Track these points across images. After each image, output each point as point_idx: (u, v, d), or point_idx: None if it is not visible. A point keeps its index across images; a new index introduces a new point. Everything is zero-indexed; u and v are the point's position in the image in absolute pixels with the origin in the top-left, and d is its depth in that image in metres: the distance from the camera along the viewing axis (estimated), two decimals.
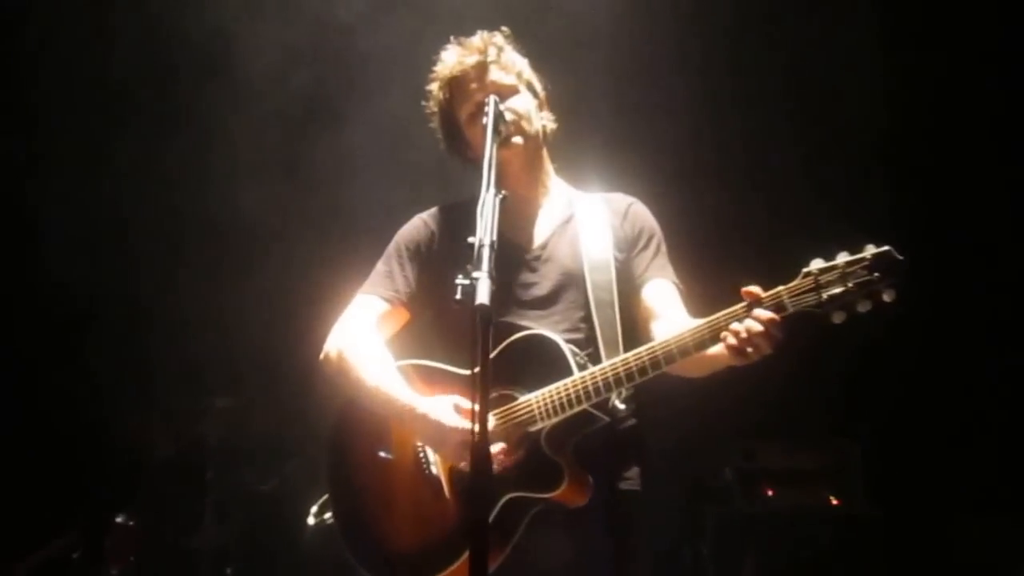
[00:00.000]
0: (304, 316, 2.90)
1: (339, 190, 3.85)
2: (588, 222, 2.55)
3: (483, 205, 2.01)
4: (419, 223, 2.59)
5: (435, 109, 2.61)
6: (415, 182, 3.48)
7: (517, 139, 2.48)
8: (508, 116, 2.40)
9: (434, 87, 2.60)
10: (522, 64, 2.60)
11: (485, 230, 1.96)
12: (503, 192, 2.05)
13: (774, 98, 3.79)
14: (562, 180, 2.68)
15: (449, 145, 2.63)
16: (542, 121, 2.59)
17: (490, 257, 1.92)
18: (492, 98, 2.32)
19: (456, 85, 2.54)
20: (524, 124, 2.50)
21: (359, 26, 3.65)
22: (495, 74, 2.52)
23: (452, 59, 2.56)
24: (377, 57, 3.46)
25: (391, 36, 3.44)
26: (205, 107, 3.71)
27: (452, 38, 2.58)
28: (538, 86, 2.62)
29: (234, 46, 3.61)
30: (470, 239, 1.96)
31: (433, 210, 2.62)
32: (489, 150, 2.15)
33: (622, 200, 2.62)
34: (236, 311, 3.79)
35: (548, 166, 2.64)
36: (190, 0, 3.58)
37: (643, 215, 2.60)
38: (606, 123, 3.80)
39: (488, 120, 2.24)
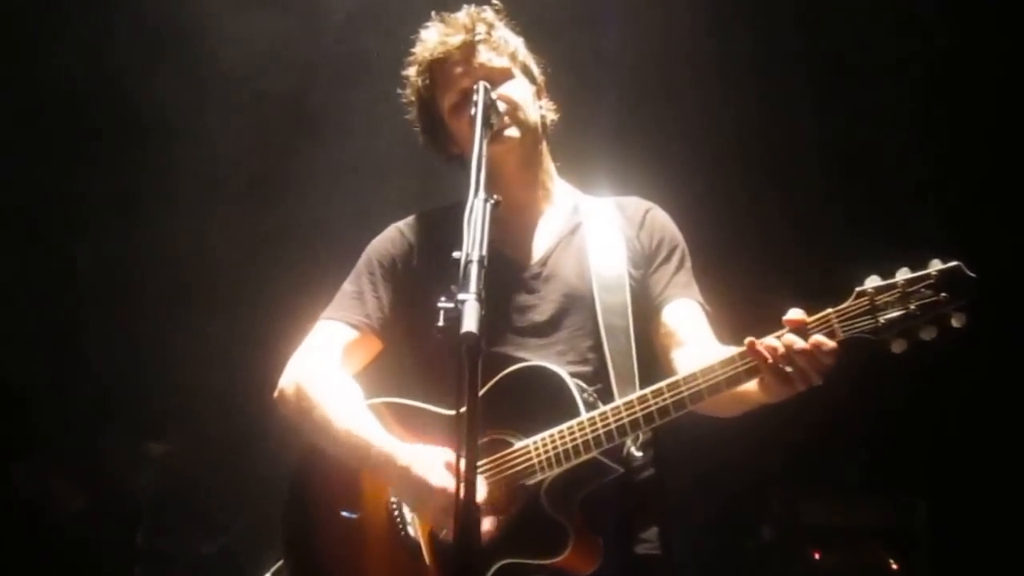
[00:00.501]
0: (260, 345, 2.92)
1: (301, 210, 4.01)
2: (597, 232, 2.57)
3: (471, 213, 2.01)
4: (395, 234, 2.61)
5: (413, 98, 2.62)
6: (400, 194, 3.61)
7: (511, 132, 2.49)
8: (500, 105, 2.40)
9: (412, 72, 2.62)
10: (516, 44, 2.62)
11: (473, 243, 1.95)
12: (495, 197, 2.05)
13: (814, 86, 3.90)
14: (566, 182, 2.71)
15: (429, 140, 2.65)
16: (541, 111, 2.61)
17: (479, 276, 1.90)
18: (481, 84, 2.32)
19: (438, 69, 2.56)
20: (520, 114, 2.51)
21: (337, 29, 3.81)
22: (484, 55, 2.54)
23: (433, 38, 2.58)
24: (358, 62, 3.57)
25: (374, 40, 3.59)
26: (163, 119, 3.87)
27: (434, 14, 2.61)
28: (536, 69, 2.65)
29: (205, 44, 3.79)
30: (455, 254, 1.95)
31: (411, 219, 2.64)
32: (478, 146, 2.16)
33: (638, 206, 2.64)
34: (178, 340, 3.85)
35: (549, 165, 2.67)
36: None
37: (663, 223, 2.61)
38: (618, 113, 3.85)
39: (477, 110, 2.25)
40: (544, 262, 2.55)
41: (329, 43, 3.83)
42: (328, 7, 3.80)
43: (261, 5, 3.79)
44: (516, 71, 2.58)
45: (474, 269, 1.90)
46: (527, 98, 2.56)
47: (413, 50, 2.61)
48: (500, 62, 2.55)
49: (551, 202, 2.64)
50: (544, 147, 2.65)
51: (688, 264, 2.58)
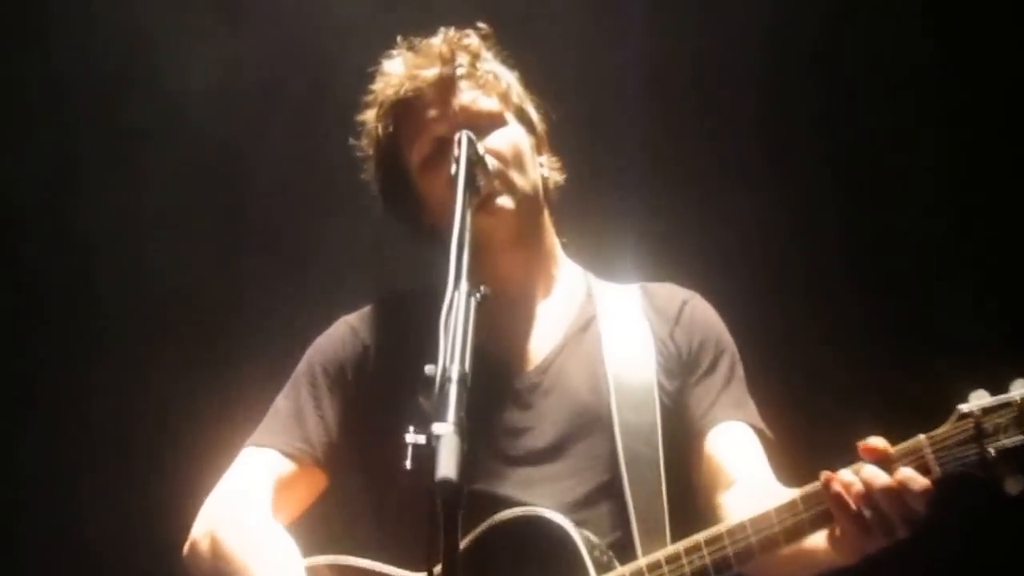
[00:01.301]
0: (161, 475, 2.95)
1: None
2: (617, 329, 2.58)
3: (450, 311, 1.96)
4: (344, 332, 2.61)
5: (370, 149, 2.66)
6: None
7: (504, 201, 2.51)
8: (489, 162, 2.40)
9: (369, 115, 2.64)
10: (509, 79, 2.66)
11: (453, 354, 1.89)
12: (482, 289, 2.02)
13: (890, 162, 3.98)
14: (575, 263, 2.73)
15: (391, 205, 2.68)
16: (542, 169, 2.65)
17: (460, 400, 1.84)
18: (464, 134, 2.30)
19: (406, 112, 2.59)
20: (514, 175, 2.54)
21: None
22: (467, 95, 2.58)
23: (399, 72, 2.62)
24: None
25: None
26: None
27: (400, 39, 2.66)
28: (535, 114, 2.68)
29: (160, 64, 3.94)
30: (428, 368, 1.89)
31: (366, 310, 2.64)
32: (460, 218, 2.13)
33: (673, 295, 2.65)
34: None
35: (552, 241, 2.69)
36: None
37: (706, 319, 2.62)
38: (645, 175, 3.86)
39: (458, 169, 2.23)
40: (545, 369, 2.54)
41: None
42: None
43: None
44: (509, 116, 2.61)
45: (453, 391, 1.84)
46: (524, 152, 2.59)
47: (372, 87, 2.64)
48: (488, 104, 2.59)
49: (555, 289, 2.65)
50: (546, 217, 2.67)
51: (740, 374, 2.58)
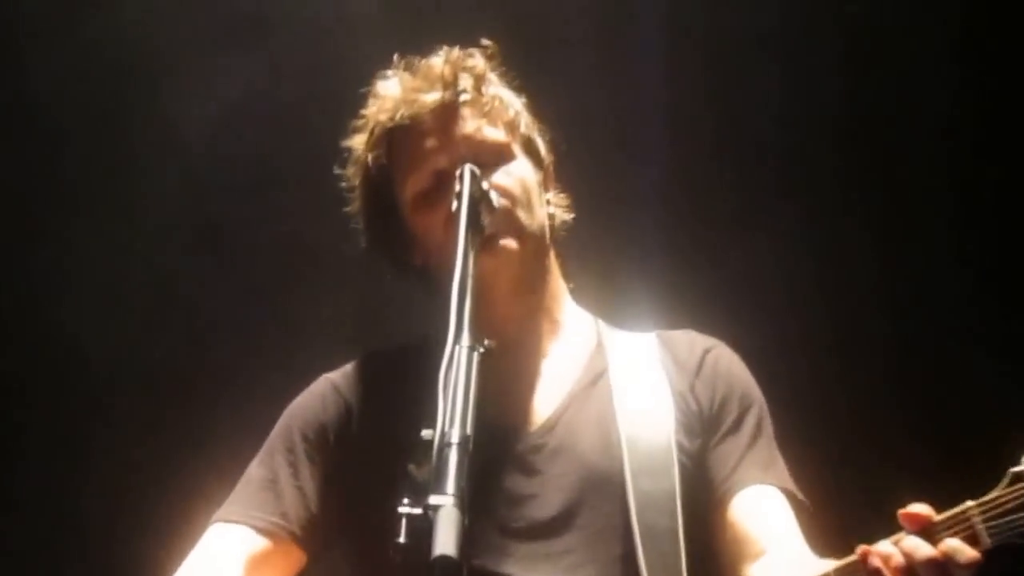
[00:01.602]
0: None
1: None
2: (631, 382, 2.58)
3: (450, 367, 1.97)
4: (325, 391, 2.60)
5: (357, 179, 2.66)
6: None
7: (509, 242, 2.51)
8: (495, 199, 2.41)
9: (359, 141, 2.66)
10: (517, 107, 2.67)
11: (452, 416, 1.90)
12: (485, 343, 2.03)
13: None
14: (584, 310, 2.74)
15: (378, 243, 2.68)
16: (548, 208, 2.66)
17: (461, 467, 1.84)
18: (467, 168, 2.33)
19: (401, 140, 2.59)
20: (521, 214, 2.54)
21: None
22: (471, 123, 2.59)
23: (395, 94, 2.63)
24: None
25: None
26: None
27: (396, 58, 2.68)
28: (542, 146, 2.70)
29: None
30: (425, 432, 1.89)
31: (349, 367, 2.64)
32: (461, 262, 2.14)
33: (694, 344, 2.65)
34: None
35: (559, 285, 2.70)
36: None
37: (730, 369, 2.62)
38: (662, 213, 3.90)
39: (460, 206, 2.25)
40: (550, 428, 2.53)
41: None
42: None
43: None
44: (516, 148, 2.62)
45: (453, 457, 1.84)
46: (531, 189, 2.60)
47: (364, 111, 2.66)
48: (494, 134, 2.59)
49: (561, 338, 2.65)
50: (552, 259, 2.68)
51: (769, 432, 2.58)
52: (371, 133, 2.63)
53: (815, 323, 3.94)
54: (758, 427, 2.56)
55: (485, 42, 2.67)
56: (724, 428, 2.55)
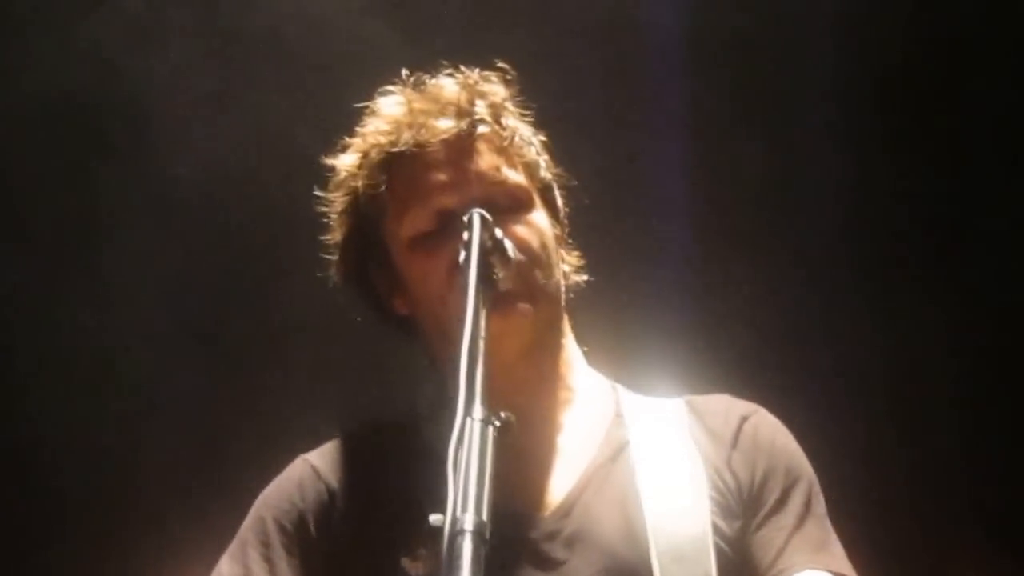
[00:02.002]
0: None
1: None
2: (658, 457, 2.56)
3: (460, 443, 1.93)
4: (303, 474, 2.58)
5: (341, 206, 2.65)
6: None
7: (523, 306, 2.51)
8: (511, 251, 2.40)
9: (350, 162, 2.64)
10: (537, 147, 2.69)
11: (465, 500, 1.86)
12: (503, 415, 2.00)
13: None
14: (601, 375, 2.75)
15: (355, 282, 2.68)
16: (564, 266, 2.68)
17: (478, 559, 1.80)
18: (476, 214, 2.31)
19: (403, 170, 2.58)
20: (538, 273, 2.54)
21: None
22: (486, 160, 2.58)
23: (398, 114, 2.61)
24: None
25: None
26: None
27: (404, 72, 2.67)
28: (557, 192, 2.71)
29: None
30: (433, 518, 1.86)
31: (329, 446, 2.63)
32: (471, 322, 2.10)
33: (730, 411, 2.64)
34: None
35: (572, 349, 2.70)
36: None
37: (773, 439, 2.61)
38: (685, 267, 3.96)
39: (470, 257, 2.22)
40: (566, 513, 2.50)
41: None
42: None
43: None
44: (534, 193, 2.62)
45: (468, 547, 1.80)
46: (549, 245, 2.60)
47: (360, 128, 2.65)
48: (513, 176, 2.59)
49: (575, 408, 2.64)
50: (565, 322, 2.68)
51: (820, 509, 2.55)
52: (365, 155, 2.61)
53: (870, 387, 3.98)
54: (807, 504, 2.53)
55: (501, 65, 2.68)
56: (767, 507, 2.52)
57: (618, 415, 2.65)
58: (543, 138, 2.71)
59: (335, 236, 2.68)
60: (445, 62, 2.68)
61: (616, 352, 2.84)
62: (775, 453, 2.58)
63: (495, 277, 2.30)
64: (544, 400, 2.62)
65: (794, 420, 2.69)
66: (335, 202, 2.67)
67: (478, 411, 1.96)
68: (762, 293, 3.97)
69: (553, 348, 2.65)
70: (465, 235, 2.27)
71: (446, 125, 2.57)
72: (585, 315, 2.75)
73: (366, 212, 2.63)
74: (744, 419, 2.62)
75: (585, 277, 2.73)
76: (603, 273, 2.80)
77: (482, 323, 2.12)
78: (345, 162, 2.66)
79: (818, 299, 4.03)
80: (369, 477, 2.54)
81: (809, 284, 4.03)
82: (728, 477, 2.55)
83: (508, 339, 2.45)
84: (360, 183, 2.62)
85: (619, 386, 2.73)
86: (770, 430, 2.62)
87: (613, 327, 2.90)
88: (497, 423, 1.98)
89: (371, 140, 2.62)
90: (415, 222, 2.57)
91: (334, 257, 2.69)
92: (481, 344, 2.07)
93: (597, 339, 2.77)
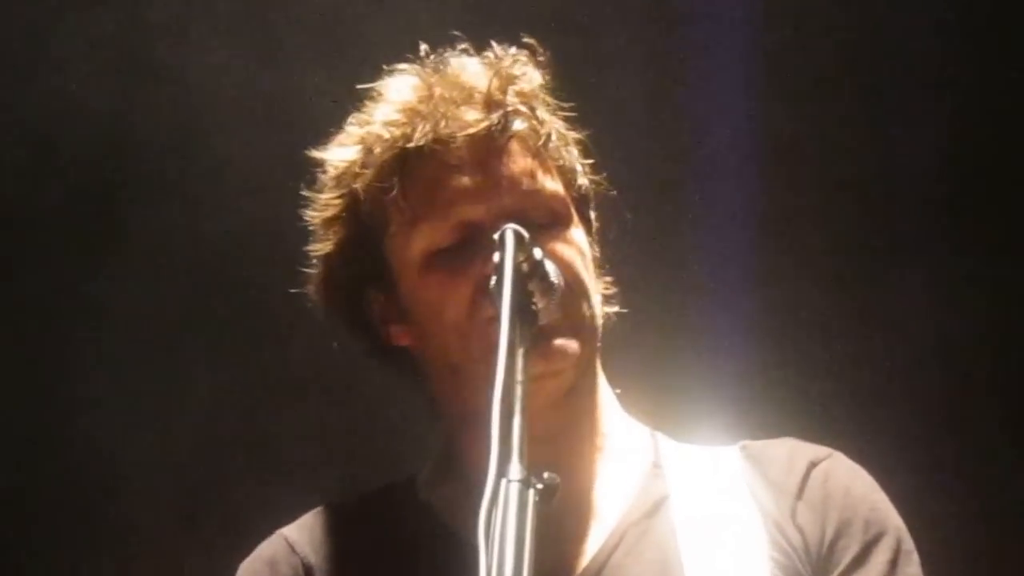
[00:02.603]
0: None
1: None
2: (704, 512, 2.43)
3: (493, 506, 1.81)
4: (279, 550, 2.48)
5: (332, 211, 2.42)
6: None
7: (568, 343, 2.32)
8: (554, 276, 2.18)
9: (347, 158, 2.40)
10: (574, 146, 2.48)
11: (502, 571, 1.77)
12: (545, 476, 1.87)
13: None
14: (637, 420, 2.59)
15: (344, 304, 2.47)
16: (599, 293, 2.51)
17: None
18: (511, 230, 2.08)
19: (420, 170, 2.36)
20: (583, 304, 2.38)
21: None
22: (520, 163, 2.37)
23: (413, 101, 2.38)
24: None
25: None
26: None
27: (425, 49, 2.44)
28: (591, 203, 2.52)
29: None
30: None
31: (308, 518, 2.53)
32: (506, 363, 1.92)
33: (795, 456, 2.49)
34: None
35: (606, 391, 2.54)
36: None
37: (849, 486, 2.45)
38: (737, 295, 3.89)
39: (503, 282, 2.02)
40: (597, 574, 2.37)
41: None
42: None
43: None
44: (572, 206, 2.42)
45: None
46: (590, 268, 2.42)
47: (362, 114, 2.42)
48: (551, 185, 2.38)
49: (608, 457, 2.49)
50: (597, 360, 2.50)
51: (914, 570, 2.39)
52: (370, 150, 2.36)
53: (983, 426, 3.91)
54: (893, 563, 2.37)
55: (528, 40, 2.44)
56: (842, 567, 2.36)
57: (656, 465, 2.49)
58: (579, 136, 2.50)
59: (322, 246, 2.44)
60: (458, 33, 2.47)
61: (655, 395, 2.70)
62: (852, 503, 2.41)
63: (534, 308, 2.10)
64: (572, 449, 2.44)
65: (877, 469, 2.54)
66: (326, 205, 2.42)
67: (515, 470, 1.84)
68: (831, 318, 3.89)
69: (587, 391, 2.46)
70: (496, 255, 2.07)
71: (473, 117, 2.33)
72: (619, 351, 2.57)
73: (366, 220, 2.39)
74: (813, 465, 2.44)
75: (617, 308, 2.53)
76: (639, 301, 2.67)
77: (519, 364, 1.95)
78: (342, 157, 2.41)
79: (900, 334, 3.95)
80: (355, 549, 2.45)
81: (886, 314, 3.98)
82: (792, 533, 2.39)
83: (547, 383, 2.30)
84: (361, 184, 2.37)
85: (659, 434, 2.56)
86: (846, 476, 2.45)
87: (651, 365, 2.75)
88: (539, 485, 1.85)
89: (378, 132, 2.37)
90: (431, 235, 2.34)
91: (317, 271, 2.46)
92: (519, 389, 1.91)
93: (633, 379, 2.61)
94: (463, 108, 2.34)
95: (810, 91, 4.06)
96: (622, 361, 2.58)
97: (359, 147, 2.39)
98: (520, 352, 1.97)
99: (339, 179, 2.41)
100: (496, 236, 2.08)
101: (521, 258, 2.07)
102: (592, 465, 2.46)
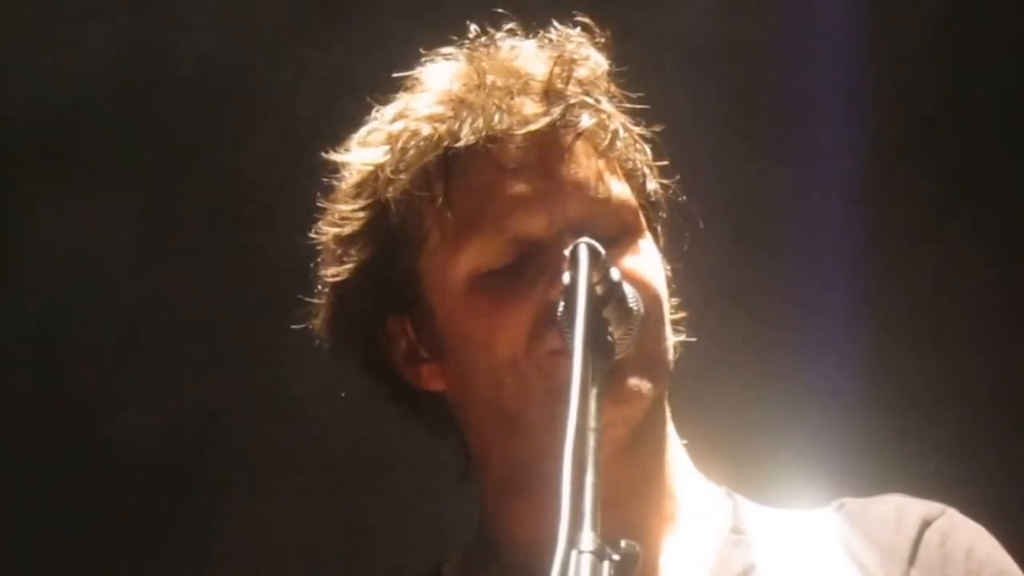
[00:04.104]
0: None
1: None
2: None
3: None
4: None
5: (356, 226, 2.17)
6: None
7: (642, 383, 2.12)
8: (632, 301, 2.02)
9: (374, 160, 2.16)
10: (642, 144, 2.27)
11: None
12: (623, 545, 1.73)
13: None
14: (711, 481, 2.40)
15: (358, 340, 2.23)
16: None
17: None
18: (584, 245, 1.90)
19: (467, 174, 2.14)
20: (662, 335, 2.19)
21: None
22: (585, 168, 2.17)
23: (459, 90, 2.17)
24: None
25: None
26: None
27: (474, 29, 2.23)
28: (662, 211, 2.34)
29: None
30: None
31: None
32: (578, 411, 1.74)
33: (904, 515, 2.31)
34: None
35: (675, 444, 2.33)
36: None
37: (971, 547, 2.28)
38: (832, 336, 3.75)
39: (575, 308, 1.83)
40: None
41: None
42: None
43: None
44: (641, 215, 2.23)
45: None
46: (665, 288, 2.23)
47: (393, 106, 2.18)
48: (620, 191, 2.18)
49: (681, 523, 2.29)
50: (666, 407, 2.31)
51: None
52: (403, 150, 2.12)
53: None
54: None
55: (582, 19, 2.22)
56: None
57: (736, 531, 2.29)
58: (646, 132, 2.28)
59: (337, 265, 2.18)
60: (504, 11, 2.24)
61: (730, 451, 2.63)
62: (975, 568, 2.25)
63: (610, 339, 1.93)
64: (641, 511, 2.24)
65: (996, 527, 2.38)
66: (345, 219, 2.17)
67: (587, 541, 1.67)
68: (939, 358, 3.78)
69: (655, 440, 2.25)
70: (565, 276, 1.90)
71: (532, 111, 2.11)
72: (688, 396, 2.40)
73: (397, 235, 2.15)
74: (926, 524, 2.26)
75: (685, 337, 2.32)
76: (716, 336, 2.57)
77: (592, 408, 1.78)
78: (368, 159, 2.17)
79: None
80: None
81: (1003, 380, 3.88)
82: None
83: (616, 430, 2.10)
84: (393, 192, 2.12)
85: (738, 496, 2.36)
86: (966, 536, 2.28)
87: (725, 414, 2.45)
88: (615, 556, 1.71)
89: (415, 127, 2.13)
90: (481, 253, 2.12)
91: (328, 299, 2.21)
92: (591, 439, 1.75)
93: (703, 432, 2.40)
94: (520, 99, 2.12)
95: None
96: (689, 406, 2.39)
97: (388, 147, 2.15)
98: (593, 393, 1.80)
99: (362, 185, 2.17)
100: (567, 252, 1.90)
101: (596, 279, 1.88)
102: (663, 530, 2.27)
